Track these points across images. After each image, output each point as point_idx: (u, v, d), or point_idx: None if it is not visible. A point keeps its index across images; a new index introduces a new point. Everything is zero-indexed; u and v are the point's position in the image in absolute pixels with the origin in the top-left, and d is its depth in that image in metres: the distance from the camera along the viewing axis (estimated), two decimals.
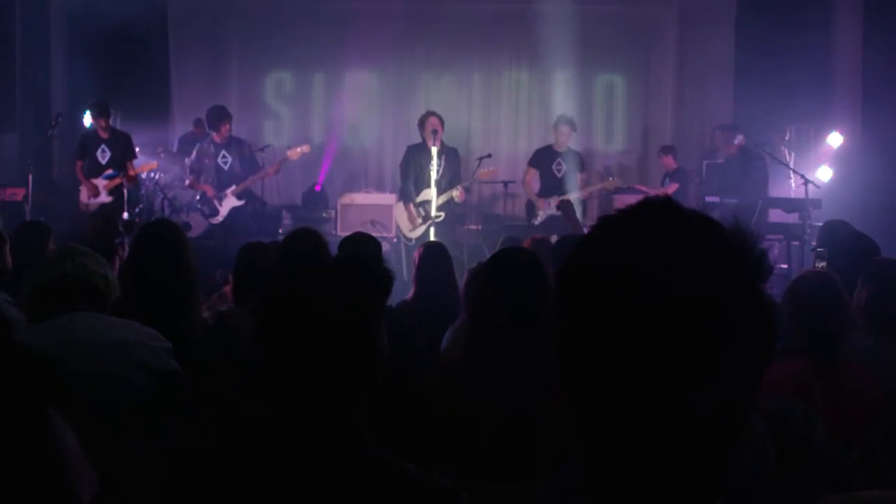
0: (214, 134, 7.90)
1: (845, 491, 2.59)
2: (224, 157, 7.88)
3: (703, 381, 0.77)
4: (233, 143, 7.99)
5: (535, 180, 8.05)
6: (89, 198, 7.96)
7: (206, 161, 7.91)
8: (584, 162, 8.14)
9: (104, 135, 8.05)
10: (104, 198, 7.98)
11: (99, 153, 8.04)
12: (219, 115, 7.86)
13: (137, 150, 8.38)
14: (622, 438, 0.80)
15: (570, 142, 7.95)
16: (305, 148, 8.07)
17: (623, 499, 0.81)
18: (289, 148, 8.18)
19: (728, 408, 0.79)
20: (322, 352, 1.45)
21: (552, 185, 7.86)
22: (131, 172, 8.04)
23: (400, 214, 7.72)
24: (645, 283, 0.77)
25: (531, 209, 8.02)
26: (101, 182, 8.00)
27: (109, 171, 8.02)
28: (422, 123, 7.48)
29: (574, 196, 7.67)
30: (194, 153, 8.10)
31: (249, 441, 1.46)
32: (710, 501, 0.82)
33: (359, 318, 1.48)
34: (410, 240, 7.52)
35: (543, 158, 7.97)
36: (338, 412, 1.46)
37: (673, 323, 0.76)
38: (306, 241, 3.45)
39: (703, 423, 0.78)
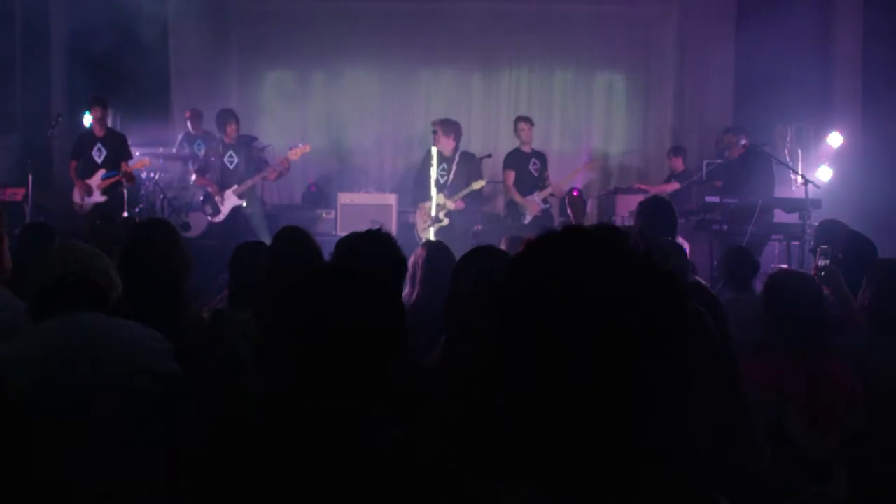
0: (224, 135, 8.09)
1: (826, 479, 2.67)
2: (231, 156, 8.06)
3: (629, 375, 0.84)
4: (241, 144, 8.19)
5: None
6: (82, 198, 7.96)
7: (213, 159, 8.13)
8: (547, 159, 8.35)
9: (100, 133, 8.05)
10: (98, 197, 7.98)
11: (94, 152, 8.04)
12: (225, 117, 8.09)
13: (137, 154, 8.41)
14: (553, 436, 0.86)
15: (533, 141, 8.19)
16: (306, 147, 8.14)
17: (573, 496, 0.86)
18: (290, 149, 8.17)
19: (658, 403, 0.85)
20: (349, 356, 1.49)
21: (531, 184, 8.00)
22: (126, 170, 8.04)
23: (419, 213, 7.85)
24: (568, 289, 0.86)
25: (514, 210, 8.06)
26: (94, 181, 7.98)
27: (105, 172, 8.02)
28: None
29: (558, 186, 8.06)
30: (203, 151, 8.37)
31: (289, 434, 1.49)
32: (707, 498, 0.87)
33: (388, 321, 1.52)
34: (422, 239, 7.57)
35: (518, 160, 8.10)
36: (365, 403, 1.50)
37: (592, 325, 0.84)
38: (294, 239, 3.43)
39: (628, 414, 0.84)
